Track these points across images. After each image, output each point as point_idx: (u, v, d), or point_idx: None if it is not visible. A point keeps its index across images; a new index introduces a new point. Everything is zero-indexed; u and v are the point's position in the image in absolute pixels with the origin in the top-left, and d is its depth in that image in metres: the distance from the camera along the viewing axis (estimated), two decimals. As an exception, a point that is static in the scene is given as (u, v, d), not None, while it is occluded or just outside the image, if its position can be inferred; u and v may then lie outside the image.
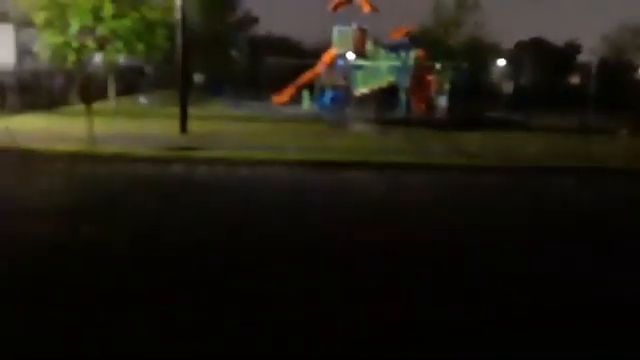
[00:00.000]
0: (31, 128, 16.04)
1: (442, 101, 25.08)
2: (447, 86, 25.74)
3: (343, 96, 24.33)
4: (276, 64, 33.27)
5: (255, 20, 48.61)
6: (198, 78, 37.89)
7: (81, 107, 15.60)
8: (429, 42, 30.13)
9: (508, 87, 36.56)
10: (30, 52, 25.87)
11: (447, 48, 32.56)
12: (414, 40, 26.38)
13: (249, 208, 9.19)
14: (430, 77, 25.54)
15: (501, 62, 43.52)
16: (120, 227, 7.79)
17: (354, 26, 26.35)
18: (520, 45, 48.60)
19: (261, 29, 49.97)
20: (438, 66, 26.64)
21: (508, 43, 47.79)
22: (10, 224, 7.65)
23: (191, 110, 17.11)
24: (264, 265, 6.44)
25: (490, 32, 36.69)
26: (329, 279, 6.11)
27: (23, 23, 24.07)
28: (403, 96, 24.27)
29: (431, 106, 24.78)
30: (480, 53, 35.57)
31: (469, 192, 11.56)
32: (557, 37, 61.44)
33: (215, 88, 32.72)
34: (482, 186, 12.29)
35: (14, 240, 6.92)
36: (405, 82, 24.39)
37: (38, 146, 13.17)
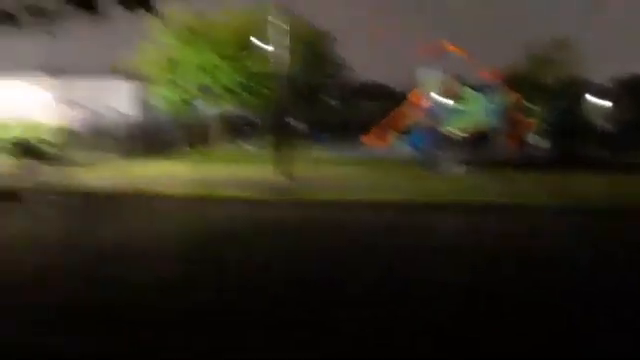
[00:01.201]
0: (151, 173, 17.84)
1: (536, 141, 24.90)
2: (541, 125, 25.59)
3: (433, 137, 24.80)
4: (370, 108, 34.37)
5: (349, 68, 50.65)
6: (299, 124, 39.94)
7: (195, 154, 17.21)
8: (521, 81, 30.09)
9: (606, 125, 35.39)
10: (149, 104, 28.78)
11: (540, 87, 32.31)
12: (506, 80, 26.54)
13: (359, 248, 9.80)
14: (523, 117, 25.52)
15: (596, 99, 42.15)
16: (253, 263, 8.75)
17: (443, 68, 26.98)
18: (616, 80, 46.86)
19: (355, 74, 51.77)
20: (531, 105, 26.55)
21: (598, 78, 46.06)
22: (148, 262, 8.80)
23: (293, 155, 18.30)
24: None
25: (583, 69, 35.90)
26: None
27: (142, 78, 26.86)
28: (495, 136, 24.38)
29: (525, 146, 24.68)
30: (574, 90, 34.89)
31: (583, 238, 10.70)
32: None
33: (315, 134, 34.34)
34: (591, 230, 11.56)
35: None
36: (497, 122, 24.54)
37: (158, 190, 14.73)
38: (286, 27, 17.86)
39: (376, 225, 12.07)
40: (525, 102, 26.10)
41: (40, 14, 15.62)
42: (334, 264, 8.62)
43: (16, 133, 18.93)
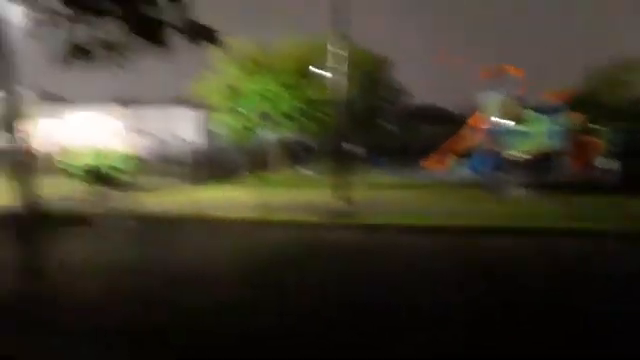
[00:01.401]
0: (214, 198, 18.40)
1: (603, 163, 24.00)
2: (608, 148, 24.66)
3: (495, 160, 24.34)
4: (429, 132, 34.25)
5: (407, 92, 50.90)
6: (357, 149, 40.34)
7: (256, 179, 17.63)
8: (586, 103, 29.19)
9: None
10: (213, 132, 29.87)
11: (606, 108, 31.17)
12: (570, 101, 25.85)
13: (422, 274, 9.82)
14: (589, 139, 24.73)
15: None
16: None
17: (505, 91, 26.59)
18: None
19: (413, 99, 51.97)
20: (598, 127, 25.68)
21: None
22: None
23: (351, 179, 18.41)
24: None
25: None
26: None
27: (206, 107, 27.92)
28: (560, 159, 23.70)
29: (591, 169, 23.85)
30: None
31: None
32: None
33: (373, 158, 34.48)
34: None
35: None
36: (562, 145, 23.88)
37: (221, 214, 15.16)
38: (345, 54, 18.19)
39: (433, 249, 11.95)
40: (591, 124, 25.24)
41: (111, 48, 16.64)
42: (390, 288, 8.63)
43: (88, 160, 19.99)
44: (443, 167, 27.74)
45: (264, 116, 25.92)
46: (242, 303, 7.72)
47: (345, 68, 19.60)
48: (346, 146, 19.31)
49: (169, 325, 6.72)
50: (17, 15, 16.25)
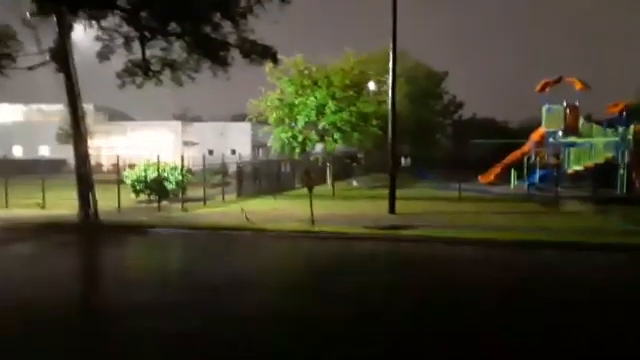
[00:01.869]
0: (262, 210, 18.66)
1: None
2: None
3: (554, 174, 23.59)
4: (481, 145, 33.61)
5: (460, 105, 50.21)
6: (405, 161, 40.15)
7: (304, 191, 17.79)
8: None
9: None
10: (263, 145, 30.33)
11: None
12: (633, 113, 24.76)
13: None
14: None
15: None
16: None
17: (565, 103, 25.83)
18: None
19: (466, 112, 51.30)
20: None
21: None
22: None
23: (399, 192, 18.31)
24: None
25: None
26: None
27: (258, 122, 28.47)
28: (622, 173, 22.70)
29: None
30: None
31: None
32: None
33: (421, 170, 34.12)
34: None
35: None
36: (624, 158, 22.89)
37: (268, 226, 15.36)
38: (399, 68, 18.25)
39: (480, 261, 11.80)
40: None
41: (174, 67, 17.32)
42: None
43: (148, 172, 20.78)
44: (497, 180, 27.13)
45: (317, 130, 26.18)
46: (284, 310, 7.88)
47: (400, 82, 19.69)
48: (397, 159, 19.29)
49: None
50: (88, 39, 17.23)
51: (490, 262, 11.75)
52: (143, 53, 16.81)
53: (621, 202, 19.71)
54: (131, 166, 23.84)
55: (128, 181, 21.06)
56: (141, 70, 17.18)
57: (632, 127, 23.20)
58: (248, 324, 7.27)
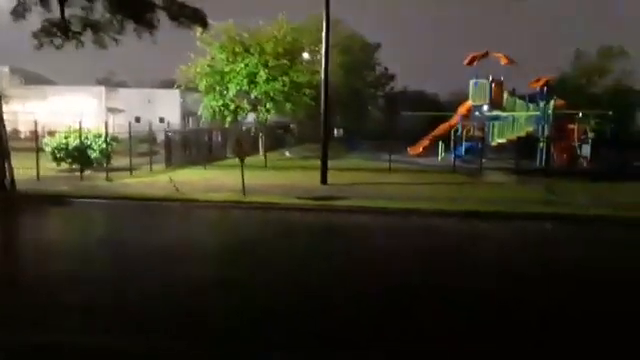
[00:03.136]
0: (192, 180, 18.22)
1: (585, 150, 24.12)
2: (590, 135, 24.77)
3: (479, 147, 24.38)
4: (411, 117, 34.22)
5: (392, 77, 50.76)
6: (338, 132, 40.35)
7: (235, 161, 17.49)
8: (570, 91, 29.23)
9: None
10: (193, 113, 29.52)
11: (590, 96, 31.22)
12: (553, 89, 25.87)
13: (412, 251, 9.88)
14: (572, 126, 24.84)
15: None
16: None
17: (490, 78, 26.60)
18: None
19: (398, 85, 51.97)
20: (580, 115, 25.75)
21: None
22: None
23: (331, 163, 18.36)
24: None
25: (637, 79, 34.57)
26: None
27: (188, 89, 27.62)
28: (542, 146, 23.78)
29: (573, 156, 23.99)
30: (625, 100, 33.55)
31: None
32: None
33: (353, 141, 34.41)
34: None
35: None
36: (544, 132, 23.96)
37: (198, 196, 15.01)
38: (331, 38, 18.03)
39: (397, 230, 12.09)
40: (574, 111, 25.28)
41: (96, 28, 16.27)
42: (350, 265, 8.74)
43: (68, 140, 19.76)
44: (425, 152, 27.73)
45: (248, 99, 25.71)
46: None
47: (332, 52, 19.51)
48: (329, 129, 19.26)
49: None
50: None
51: (415, 231, 12.14)
52: (62, 12, 15.71)
53: (541, 174, 20.70)
54: (51, 133, 22.56)
55: (48, 149, 19.93)
56: (60, 30, 16.07)
57: (552, 102, 24.29)
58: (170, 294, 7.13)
